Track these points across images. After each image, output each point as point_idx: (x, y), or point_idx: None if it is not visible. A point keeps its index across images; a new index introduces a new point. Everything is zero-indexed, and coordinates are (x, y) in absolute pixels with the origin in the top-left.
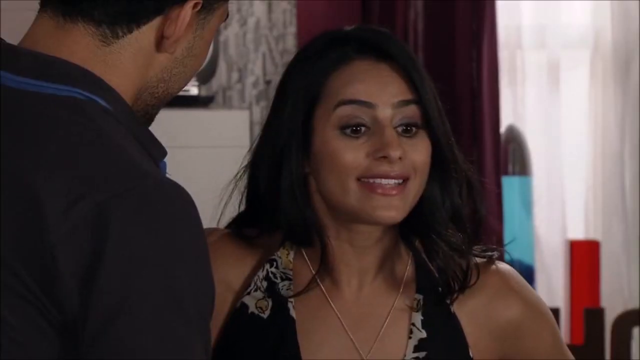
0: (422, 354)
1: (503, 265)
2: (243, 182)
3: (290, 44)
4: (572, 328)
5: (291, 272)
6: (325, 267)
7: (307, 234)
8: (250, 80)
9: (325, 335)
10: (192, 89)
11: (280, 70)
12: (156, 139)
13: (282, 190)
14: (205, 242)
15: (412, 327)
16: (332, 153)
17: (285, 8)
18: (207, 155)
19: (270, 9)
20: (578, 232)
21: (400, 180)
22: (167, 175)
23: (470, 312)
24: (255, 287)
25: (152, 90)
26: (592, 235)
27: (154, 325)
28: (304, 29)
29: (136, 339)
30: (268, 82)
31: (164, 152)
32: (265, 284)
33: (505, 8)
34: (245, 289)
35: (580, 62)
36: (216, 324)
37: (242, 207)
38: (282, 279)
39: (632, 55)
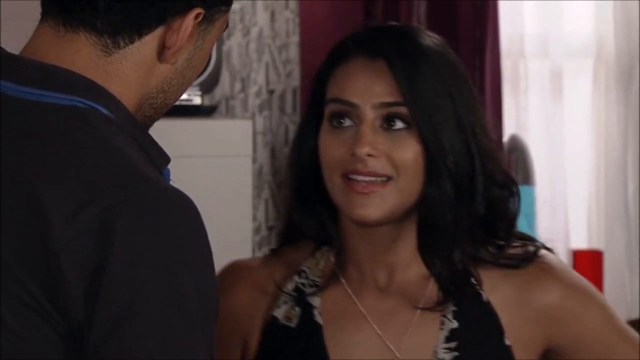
0: (453, 344)
1: (544, 253)
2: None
3: (293, 53)
4: None
5: (320, 280)
6: (346, 259)
7: (323, 230)
8: (253, 89)
9: (353, 336)
10: (195, 99)
11: (284, 79)
12: (159, 146)
13: (302, 188)
14: (209, 248)
15: (443, 318)
16: (322, 147)
17: (288, 17)
18: (210, 164)
19: (273, 19)
20: (581, 241)
21: (377, 179)
22: (171, 183)
23: (506, 299)
24: (284, 299)
25: (151, 101)
26: (595, 243)
27: (159, 331)
28: (307, 39)
29: (141, 345)
30: (271, 92)
31: (167, 160)
32: (294, 294)
33: (508, 16)
34: (274, 302)
35: (583, 70)
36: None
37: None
38: (311, 287)
39: (635, 63)
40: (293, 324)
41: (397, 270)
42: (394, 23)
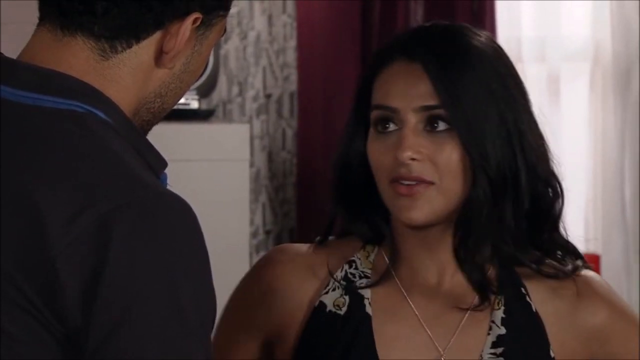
0: (499, 350)
1: (590, 272)
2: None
3: (291, 57)
4: None
5: (370, 272)
6: (398, 258)
7: (373, 231)
8: (250, 94)
9: (401, 330)
10: (192, 103)
11: (281, 83)
12: (156, 151)
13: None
14: (207, 254)
15: (491, 324)
16: (370, 154)
17: (285, 22)
18: (207, 168)
19: (270, 23)
20: (578, 245)
21: (423, 182)
22: (168, 187)
23: (555, 313)
24: (333, 286)
25: (149, 105)
26: (592, 247)
27: (156, 336)
28: (304, 43)
29: (138, 350)
30: (268, 96)
31: (164, 164)
32: (343, 283)
33: (505, 20)
34: (323, 288)
35: (580, 74)
36: (291, 330)
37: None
38: (361, 278)
39: (632, 66)
40: (342, 311)
41: (447, 271)
42: (438, 23)
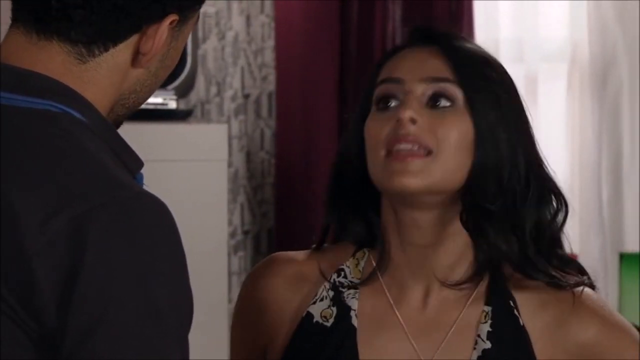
0: None
1: (589, 290)
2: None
3: (269, 57)
4: None
5: (359, 281)
6: (388, 267)
7: (364, 230)
8: (228, 94)
9: (387, 343)
10: (170, 103)
11: (259, 83)
12: (132, 151)
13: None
14: (183, 254)
15: (477, 338)
16: (367, 130)
17: (263, 22)
18: (185, 168)
19: (248, 23)
20: None
21: (420, 149)
22: (145, 187)
23: (543, 328)
24: (321, 296)
25: (123, 102)
26: (569, 248)
27: (132, 337)
28: (282, 43)
29: (115, 350)
30: (246, 96)
31: (140, 164)
32: (331, 293)
33: (483, 21)
34: (311, 298)
35: (557, 74)
36: (278, 341)
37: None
38: (349, 288)
39: (609, 67)
40: (329, 323)
41: (435, 283)
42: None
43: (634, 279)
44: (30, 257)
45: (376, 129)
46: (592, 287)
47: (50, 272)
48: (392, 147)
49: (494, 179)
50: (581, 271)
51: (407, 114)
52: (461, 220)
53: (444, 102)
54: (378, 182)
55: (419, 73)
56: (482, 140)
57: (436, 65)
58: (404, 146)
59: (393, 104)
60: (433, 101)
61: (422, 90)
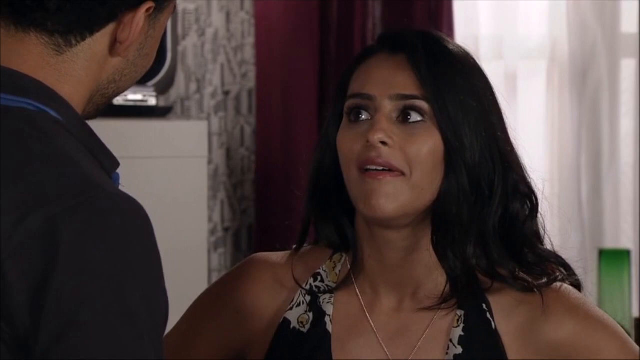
0: None
1: (565, 286)
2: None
3: (249, 54)
4: None
5: (335, 285)
6: (359, 270)
7: (339, 236)
8: (208, 90)
9: (360, 348)
10: (150, 99)
11: (239, 80)
12: (108, 150)
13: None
14: (158, 255)
15: (449, 343)
16: (339, 143)
17: (243, 19)
18: (165, 165)
19: (228, 20)
20: None
21: (389, 170)
22: (121, 187)
23: (516, 330)
24: (298, 302)
25: (103, 92)
26: (548, 245)
27: (105, 339)
28: (262, 40)
29: (88, 352)
30: (226, 93)
31: (116, 164)
32: (308, 298)
33: (462, 19)
34: (288, 304)
35: (537, 71)
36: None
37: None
38: (325, 292)
39: (588, 65)
40: (305, 329)
41: (409, 289)
42: (419, 28)
43: (613, 276)
44: (3, 260)
45: (348, 145)
46: (577, 282)
47: (22, 274)
48: (365, 164)
49: (464, 192)
50: (564, 265)
51: (377, 136)
52: (432, 242)
53: (414, 117)
54: (354, 199)
55: (388, 89)
56: (450, 154)
57: (403, 80)
58: (375, 167)
59: (364, 116)
60: (404, 116)
61: (392, 107)
